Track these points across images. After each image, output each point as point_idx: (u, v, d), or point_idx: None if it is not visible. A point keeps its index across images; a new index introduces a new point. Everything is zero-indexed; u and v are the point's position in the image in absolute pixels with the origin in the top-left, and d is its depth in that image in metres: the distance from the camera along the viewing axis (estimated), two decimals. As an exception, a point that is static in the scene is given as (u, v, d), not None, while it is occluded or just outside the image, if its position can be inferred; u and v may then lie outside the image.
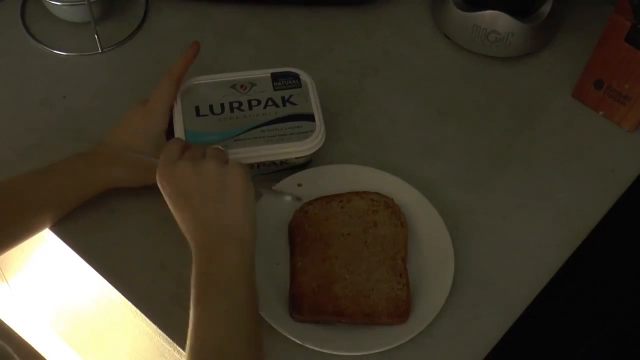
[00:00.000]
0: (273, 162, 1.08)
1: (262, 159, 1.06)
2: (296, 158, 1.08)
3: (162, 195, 0.98)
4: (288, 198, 1.06)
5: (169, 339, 0.99)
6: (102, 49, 1.25)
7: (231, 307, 0.88)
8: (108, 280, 1.03)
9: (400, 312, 0.98)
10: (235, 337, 0.87)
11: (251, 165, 1.06)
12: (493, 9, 1.21)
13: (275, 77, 1.11)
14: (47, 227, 1.05)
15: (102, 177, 1.05)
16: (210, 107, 1.08)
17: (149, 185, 1.05)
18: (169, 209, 1.03)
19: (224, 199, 0.92)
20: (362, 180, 1.10)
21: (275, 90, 1.10)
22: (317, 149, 1.07)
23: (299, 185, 1.09)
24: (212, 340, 0.86)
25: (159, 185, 0.95)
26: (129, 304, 1.02)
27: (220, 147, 0.99)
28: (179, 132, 1.06)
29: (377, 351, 0.96)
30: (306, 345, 0.96)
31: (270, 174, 1.10)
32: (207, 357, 0.84)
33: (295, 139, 1.06)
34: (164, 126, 1.05)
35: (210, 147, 0.97)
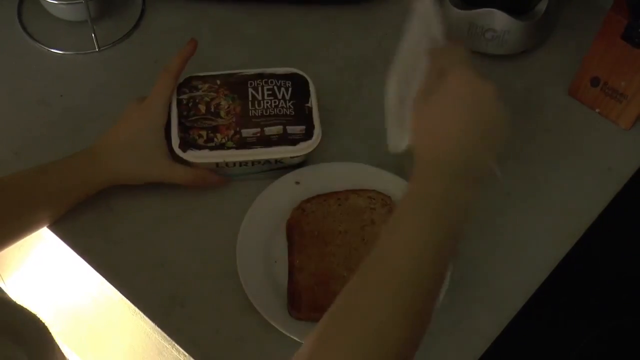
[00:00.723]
0: (268, 161, 1.08)
1: (257, 157, 1.06)
2: (291, 158, 1.08)
3: (161, 192, 0.99)
4: None
5: (167, 337, 0.99)
6: (99, 47, 1.25)
7: (430, 237, 0.80)
8: (106, 279, 1.03)
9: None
10: (419, 272, 0.79)
11: (246, 163, 1.07)
12: (489, 6, 1.21)
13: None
14: (46, 225, 1.05)
15: (101, 174, 1.05)
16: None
17: (148, 183, 1.06)
18: (166, 207, 1.04)
19: (493, 135, 0.87)
20: (360, 178, 1.10)
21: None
22: (312, 149, 1.07)
23: (297, 183, 1.10)
24: (392, 266, 0.78)
25: (453, 77, 0.86)
26: (128, 302, 1.02)
27: None
28: (174, 128, 1.06)
29: (374, 348, 0.97)
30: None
31: (266, 172, 1.10)
32: (386, 274, 0.78)
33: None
34: (162, 121, 1.06)
35: None
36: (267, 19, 1.31)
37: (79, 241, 1.06)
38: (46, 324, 0.88)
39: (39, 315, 0.87)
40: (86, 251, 1.05)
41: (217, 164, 1.07)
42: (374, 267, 0.79)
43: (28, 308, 0.87)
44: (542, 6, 1.24)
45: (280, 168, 1.10)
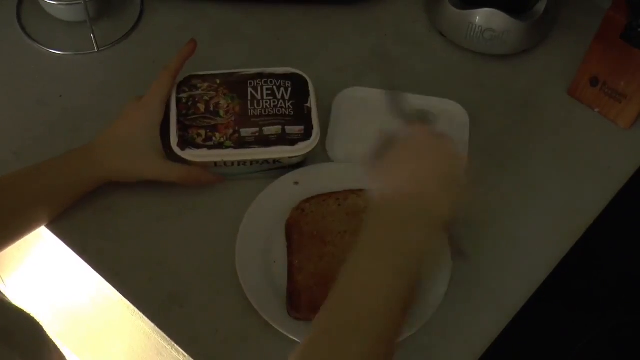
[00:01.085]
0: (266, 161, 1.08)
1: (256, 157, 1.06)
2: (290, 158, 1.08)
3: (159, 191, 0.99)
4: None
5: (166, 337, 0.99)
6: (98, 48, 1.25)
7: (390, 284, 0.82)
8: (105, 279, 1.03)
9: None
10: (380, 312, 0.81)
11: (244, 163, 1.07)
12: (488, 6, 1.21)
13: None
14: (44, 224, 1.05)
15: (96, 171, 1.05)
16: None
17: (144, 180, 1.06)
18: (165, 206, 1.04)
19: (449, 185, 0.89)
20: (359, 178, 1.10)
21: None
22: (310, 149, 1.07)
23: (296, 183, 1.09)
24: (355, 308, 0.80)
25: (411, 134, 0.91)
26: (126, 302, 1.02)
27: None
28: (173, 126, 1.06)
29: (374, 348, 0.97)
30: (304, 343, 0.96)
31: (264, 171, 1.10)
32: (344, 320, 0.79)
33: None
34: (159, 118, 1.06)
35: None
36: (266, 19, 1.31)
37: (77, 240, 1.06)
38: (41, 323, 0.87)
39: (33, 315, 0.86)
40: (85, 251, 1.05)
41: (215, 163, 1.06)
42: (338, 310, 0.81)
43: (22, 308, 0.87)
44: (541, 6, 1.24)
45: (279, 168, 1.10)
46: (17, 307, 0.86)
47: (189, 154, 1.05)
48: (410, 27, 1.32)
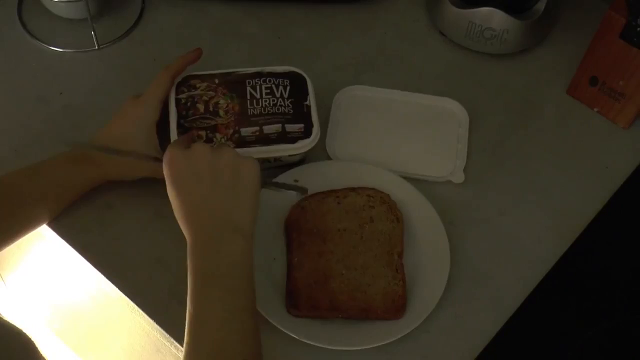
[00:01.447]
0: (267, 160, 1.08)
1: (256, 156, 1.06)
2: (290, 156, 1.08)
3: (159, 189, 0.99)
4: (293, 193, 1.03)
5: (166, 334, 0.99)
6: (98, 45, 1.25)
7: (230, 306, 0.86)
8: (105, 276, 1.03)
9: (397, 307, 0.99)
10: (234, 337, 0.85)
11: None
12: (488, 5, 1.21)
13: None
14: (44, 223, 1.05)
15: (93, 170, 1.05)
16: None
17: (143, 178, 1.06)
18: (165, 204, 1.04)
19: (236, 189, 0.91)
20: (359, 176, 1.10)
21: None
22: (310, 147, 1.07)
23: (296, 181, 1.09)
24: (209, 339, 0.84)
25: (166, 165, 0.92)
26: (126, 299, 1.02)
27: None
28: (172, 125, 1.06)
29: (373, 346, 0.97)
30: (303, 340, 0.96)
31: (265, 170, 1.10)
32: (206, 356, 0.83)
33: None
34: (155, 117, 1.06)
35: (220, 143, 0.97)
36: (266, 18, 1.31)
37: (77, 238, 1.06)
38: (32, 339, 0.88)
39: (24, 331, 0.86)
40: (85, 248, 1.05)
41: None
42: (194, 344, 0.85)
43: (12, 323, 0.87)
44: (540, 5, 1.24)
45: (280, 166, 1.10)
46: (7, 323, 0.86)
47: None
48: (411, 26, 1.32)
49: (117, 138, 1.05)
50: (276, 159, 1.08)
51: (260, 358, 0.86)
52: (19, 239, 1.03)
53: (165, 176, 0.92)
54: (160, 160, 0.94)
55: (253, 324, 0.87)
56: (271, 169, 1.10)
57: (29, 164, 1.04)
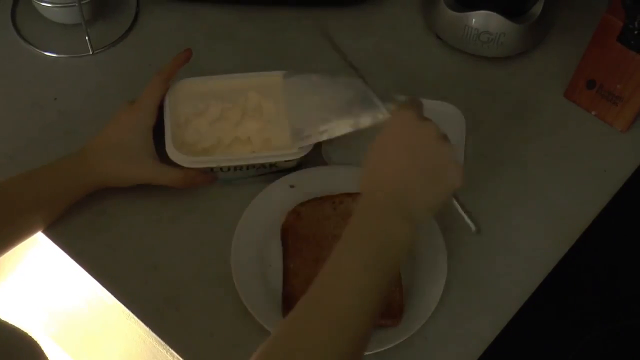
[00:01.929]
0: (263, 165, 1.07)
1: (251, 162, 1.06)
2: (286, 161, 1.08)
3: (153, 195, 0.99)
4: None
5: (161, 341, 0.99)
6: (93, 50, 1.25)
7: (366, 282, 0.81)
8: (100, 282, 1.03)
9: (394, 313, 0.98)
10: (354, 312, 0.80)
11: (240, 168, 1.06)
12: (485, 9, 1.21)
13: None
14: (39, 230, 1.05)
15: (89, 176, 1.05)
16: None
17: (138, 184, 1.06)
18: (160, 209, 1.04)
19: (432, 177, 0.87)
20: (355, 182, 1.09)
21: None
22: (306, 152, 1.07)
23: (292, 186, 1.09)
24: (333, 299, 0.80)
25: (396, 119, 0.90)
26: (122, 306, 1.01)
27: None
28: (168, 132, 1.06)
29: (370, 352, 0.96)
30: (299, 347, 0.96)
31: (260, 175, 1.10)
32: (319, 315, 0.79)
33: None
34: (151, 122, 1.06)
35: None
36: (262, 22, 1.31)
37: (72, 244, 1.05)
38: (37, 341, 0.87)
39: (29, 333, 0.86)
40: (80, 254, 1.05)
41: (211, 169, 1.06)
42: (315, 306, 0.80)
43: (19, 326, 0.86)
44: (537, 8, 1.24)
45: (275, 172, 1.09)
46: (12, 326, 0.85)
47: (185, 160, 1.05)
48: (407, 29, 1.32)
49: (114, 145, 1.05)
50: (272, 165, 1.08)
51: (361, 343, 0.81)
52: (12, 247, 1.02)
53: (388, 127, 0.90)
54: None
55: (371, 312, 0.81)
56: (267, 175, 1.09)
57: (24, 171, 1.03)
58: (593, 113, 1.21)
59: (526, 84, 1.25)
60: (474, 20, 1.22)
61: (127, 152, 1.05)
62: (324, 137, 1.05)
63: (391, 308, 0.98)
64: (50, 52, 1.25)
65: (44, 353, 0.88)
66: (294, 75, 1.11)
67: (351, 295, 0.80)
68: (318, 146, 1.11)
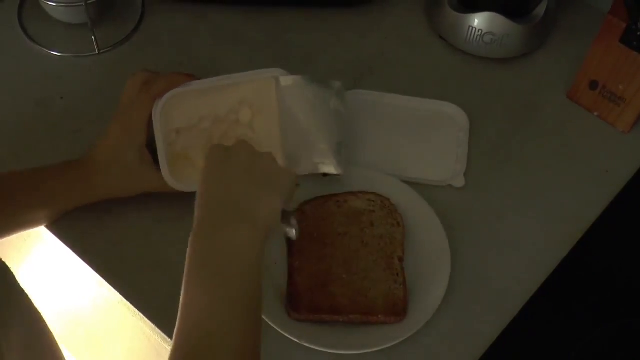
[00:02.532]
0: None
1: None
2: None
3: (159, 195, 0.99)
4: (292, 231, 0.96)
5: (166, 338, 0.99)
6: (99, 50, 1.25)
7: (222, 296, 0.82)
8: (106, 280, 1.03)
9: (398, 310, 0.98)
10: (223, 329, 0.80)
11: None
12: (488, 10, 1.21)
13: None
14: (40, 225, 1.06)
15: (94, 189, 1.05)
16: None
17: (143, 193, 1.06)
18: (164, 208, 1.04)
19: (261, 187, 0.89)
20: (359, 180, 1.10)
21: None
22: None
23: (296, 185, 1.09)
24: (197, 327, 0.80)
25: (205, 157, 0.91)
26: (127, 303, 1.02)
27: None
28: (162, 154, 1.05)
29: (374, 350, 0.97)
30: (304, 344, 0.96)
31: None
32: (194, 345, 0.79)
33: None
34: (142, 139, 1.04)
35: None
36: (266, 22, 1.31)
37: (78, 242, 1.06)
38: (7, 265, 0.86)
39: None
40: (86, 252, 1.05)
41: None
42: (190, 337, 0.81)
43: None
44: (540, 10, 1.25)
45: None
46: None
47: (179, 186, 1.05)
48: (410, 30, 1.32)
49: (112, 161, 1.04)
50: None
51: (255, 356, 0.82)
52: (9, 236, 1.04)
53: (201, 168, 0.90)
54: None
55: (250, 319, 0.83)
56: None
57: (34, 167, 1.04)
58: (595, 114, 1.21)
59: (529, 84, 1.26)
60: (477, 21, 1.23)
61: (127, 168, 1.04)
62: (317, 171, 1.07)
63: (395, 306, 0.99)
64: (56, 51, 1.26)
65: (15, 279, 0.88)
66: (288, 82, 1.06)
67: (213, 318, 0.81)
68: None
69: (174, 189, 1.05)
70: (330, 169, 1.08)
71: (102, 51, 1.26)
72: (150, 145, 1.06)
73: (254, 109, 1.07)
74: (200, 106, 1.06)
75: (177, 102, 1.04)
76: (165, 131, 1.04)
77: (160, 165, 1.04)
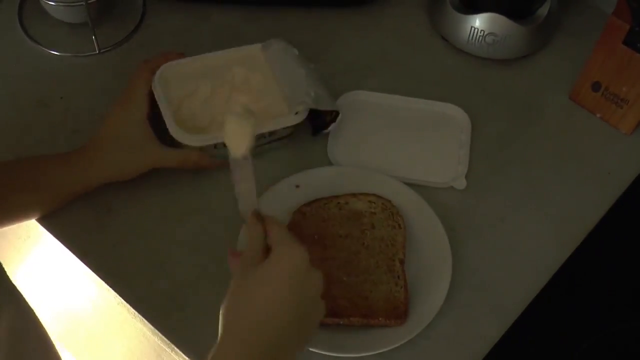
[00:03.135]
0: (262, 135, 1.09)
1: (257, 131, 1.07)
2: (284, 129, 1.10)
3: (159, 193, 0.99)
4: None
5: (166, 339, 0.99)
6: (99, 49, 1.25)
7: None
8: (105, 281, 1.03)
9: (399, 313, 0.98)
10: None
11: None
12: (490, 11, 1.21)
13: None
14: (36, 215, 1.06)
15: (92, 170, 1.05)
16: None
17: (141, 174, 1.06)
18: (165, 207, 1.04)
19: (306, 337, 0.86)
20: (360, 182, 1.10)
21: None
22: (302, 119, 1.09)
23: (297, 186, 1.09)
24: None
25: (284, 255, 0.83)
26: (126, 305, 1.02)
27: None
28: (167, 112, 1.07)
29: (375, 352, 0.96)
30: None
31: (261, 145, 1.12)
32: None
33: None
34: (144, 112, 1.07)
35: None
36: (267, 22, 1.31)
37: (77, 243, 1.06)
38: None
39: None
40: (85, 253, 1.05)
41: (215, 146, 1.07)
42: None
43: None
44: (543, 11, 1.24)
45: (273, 141, 1.12)
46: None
47: (189, 139, 1.06)
48: (412, 30, 1.32)
49: (115, 138, 1.06)
50: (271, 133, 1.10)
51: None
52: (5, 226, 1.03)
53: (271, 269, 0.83)
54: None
55: None
56: (270, 144, 1.12)
57: (34, 155, 1.05)
58: (598, 115, 1.21)
59: (531, 86, 1.26)
60: (479, 22, 1.22)
61: (128, 142, 1.05)
62: (316, 106, 1.09)
63: (396, 308, 0.98)
64: (56, 51, 1.25)
65: (5, 272, 0.89)
66: (273, 46, 1.16)
67: None
68: (324, 146, 1.11)
69: (171, 158, 1.07)
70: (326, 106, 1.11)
71: (102, 51, 1.26)
72: (152, 120, 1.07)
73: (246, 68, 1.14)
74: (195, 73, 1.13)
75: (173, 73, 1.11)
76: (167, 97, 1.09)
77: (167, 123, 1.07)
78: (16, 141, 1.15)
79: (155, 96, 1.09)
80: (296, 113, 1.08)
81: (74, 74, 1.23)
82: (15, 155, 1.13)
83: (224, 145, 1.06)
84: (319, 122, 1.14)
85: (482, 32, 1.23)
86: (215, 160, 1.09)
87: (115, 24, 1.29)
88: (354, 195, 1.08)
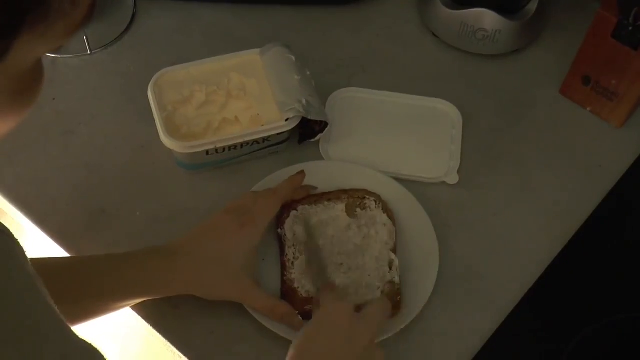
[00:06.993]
0: (256, 142, 1.09)
1: (246, 139, 1.08)
2: (278, 134, 1.10)
3: (153, 194, 0.98)
4: None
5: (162, 338, 0.99)
6: (90, 50, 1.25)
7: None
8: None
9: (393, 304, 0.98)
10: None
11: (235, 147, 1.07)
12: (480, 6, 1.21)
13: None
14: (104, 315, 0.98)
15: (179, 283, 0.97)
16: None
17: (138, 182, 1.05)
18: (161, 209, 1.04)
19: None
20: (350, 178, 1.10)
21: None
22: (295, 124, 1.09)
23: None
24: None
25: (335, 313, 0.90)
26: (121, 304, 1.02)
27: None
28: (158, 119, 1.07)
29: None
30: (298, 342, 0.96)
31: (255, 152, 1.12)
32: None
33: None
34: (258, 241, 1.00)
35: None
36: (258, 21, 1.31)
37: (72, 244, 1.06)
38: (105, 356, 0.82)
39: (97, 347, 0.81)
40: (79, 254, 1.05)
41: (207, 152, 1.07)
42: None
43: (85, 339, 0.84)
44: (532, 5, 1.25)
45: (268, 147, 1.12)
46: (79, 338, 0.80)
47: (181, 146, 1.06)
48: (402, 27, 1.32)
49: (214, 259, 0.98)
50: (265, 139, 1.10)
51: None
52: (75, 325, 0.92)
53: (322, 321, 0.90)
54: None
55: None
56: (261, 151, 1.12)
57: (114, 253, 0.98)
58: (588, 109, 1.21)
59: (522, 80, 1.26)
60: (469, 17, 1.23)
61: (229, 268, 0.98)
62: (306, 115, 1.09)
63: (390, 299, 0.98)
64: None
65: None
66: (271, 50, 1.15)
67: None
68: (316, 143, 1.12)
69: (259, 301, 0.99)
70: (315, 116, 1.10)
71: (93, 51, 1.26)
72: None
73: (242, 74, 1.14)
74: (191, 79, 1.12)
75: (168, 78, 1.11)
76: (161, 103, 1.09)
77: (158, 128, 1.07)
78: (7, 142, 1.14)
79: (151, 103, 1.09)
80: (287, 120, 1.08)
81: (65, 75, 1.23)
82: (6, 156, 1.12)
83: (216, 151, 1.07)
84: (307, 130, 1.13)
85: (472, 27, 1.23)
86: (302, 322, 0.99)
87: (106, 25, 1.29)
88: (344, 191, 1.08)
